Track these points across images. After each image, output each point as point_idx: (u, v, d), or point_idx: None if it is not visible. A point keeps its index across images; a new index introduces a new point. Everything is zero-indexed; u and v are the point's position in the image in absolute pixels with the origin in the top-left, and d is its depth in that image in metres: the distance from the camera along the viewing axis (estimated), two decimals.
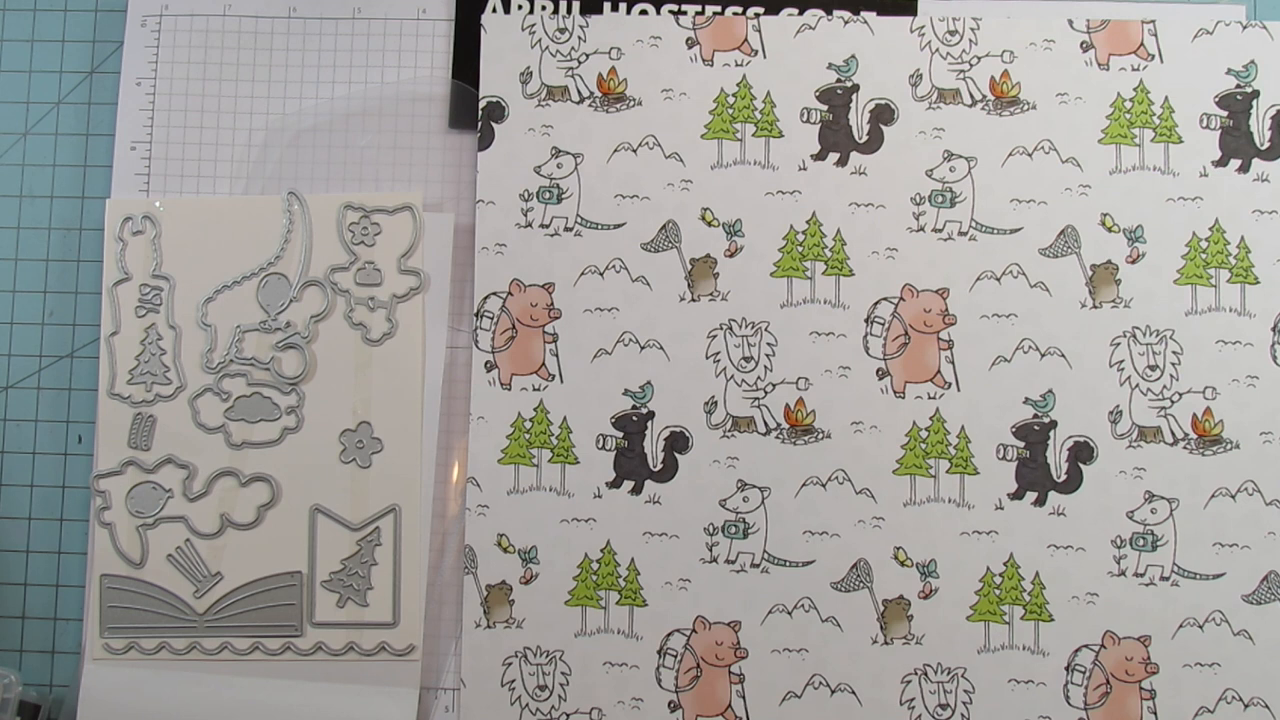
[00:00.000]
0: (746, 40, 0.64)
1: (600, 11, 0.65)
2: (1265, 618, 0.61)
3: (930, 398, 0.62)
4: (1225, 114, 0.63)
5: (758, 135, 0.64)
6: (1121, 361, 0.62)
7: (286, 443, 0.62)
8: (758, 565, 0.61)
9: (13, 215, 0.66)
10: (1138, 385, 0.62)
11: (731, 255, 0.63)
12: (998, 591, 0.61)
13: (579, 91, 0.64)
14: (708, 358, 0.63)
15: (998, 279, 0.63)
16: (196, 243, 0.63)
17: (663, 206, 0.63)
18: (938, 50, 0.64)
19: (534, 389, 0.63)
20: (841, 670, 0.61)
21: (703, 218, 0.63)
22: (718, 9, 0.64)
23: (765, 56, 0.64)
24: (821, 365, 0.62)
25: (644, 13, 0.65)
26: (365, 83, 0.65)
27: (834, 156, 0.63)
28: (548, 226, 0.63)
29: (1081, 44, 0.64)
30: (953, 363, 0.62)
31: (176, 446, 0.62)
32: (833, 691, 0.61)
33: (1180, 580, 0.61)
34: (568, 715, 0.61)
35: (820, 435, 0.62)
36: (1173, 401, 0.62)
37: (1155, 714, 0.60)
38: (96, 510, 0.62)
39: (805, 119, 0.64)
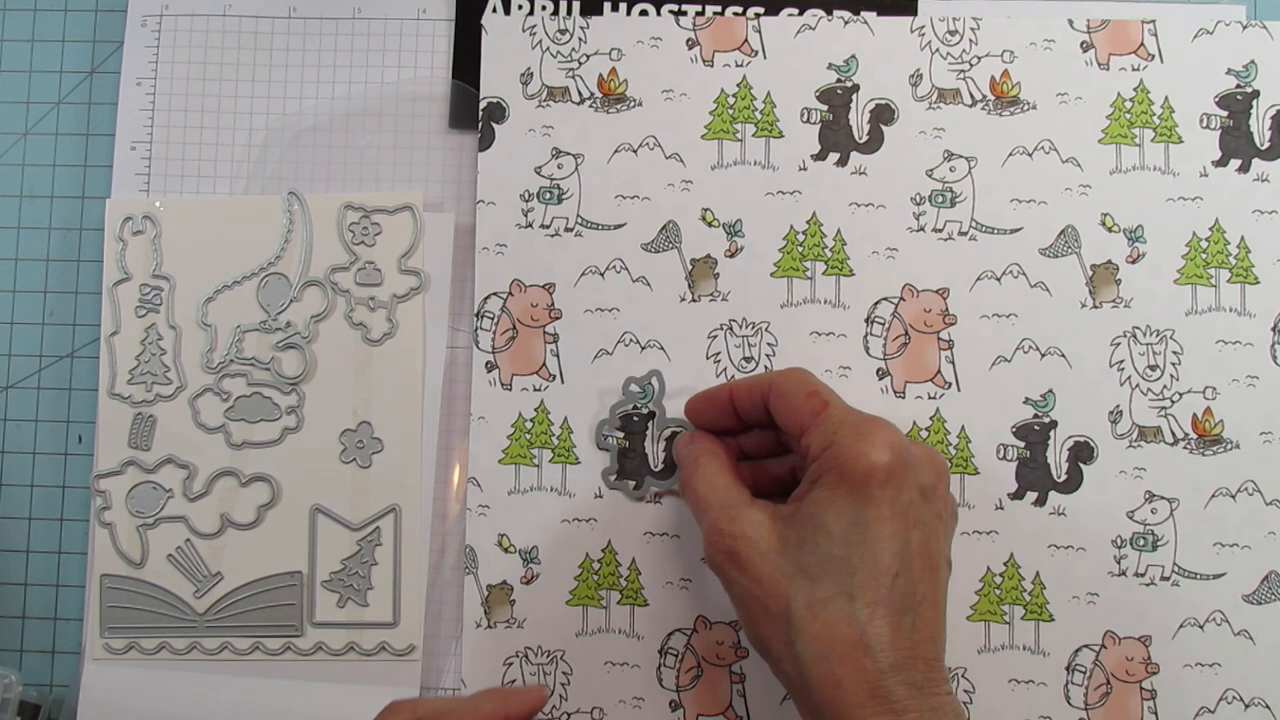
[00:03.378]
0: (746, 41, 0.64)
1: (600, 12, 0.65)
2: (1266, 618, 0.61)
3: (930, 398, 0.62)
4: (1225, 114, 0.63)
5: (758, 135, 0.64)
6: (1121, 361, 0.62)
7: (286, 443, 0.62)
8: None
9: (13, 215, 0.66)
10: (1138, 385, 0.62)
11: (732, 255, 0.63)
12: (998, 591, 0.61)
13: (579, 92, 0.64)
14: (708, 358, 0.63)
15: (998, 279, 0.63)
16: (196, 243, 0.63)
17: (663, 207, 0.63)
18: (938, 50, 0.64)
19: (534, 389, 0.63)
20: None
21: (703, 218, 0.63)
22: (718, 9, 0.64)
23: (765, 57, 0.64)
24: (821, 365, 0.62)
25: (644, 13, 0.65)
26: (365, 83, 0.65)
27: (834, 156, 0.63)
28: (548, 227, 0.63)
29: (1081, 44, 0.64)
30: (953, 363, 0.62)
31: (176, 446, 0.62)
32: None
33: (1180, 580, 0.61)
34: (569, 715, 0.61)
35: None
36: (1173, 401, 0.62)
37: (1156, 714, 0.60)
38: (96, 510, 0.62)
39: (805, 119, 0.64)
